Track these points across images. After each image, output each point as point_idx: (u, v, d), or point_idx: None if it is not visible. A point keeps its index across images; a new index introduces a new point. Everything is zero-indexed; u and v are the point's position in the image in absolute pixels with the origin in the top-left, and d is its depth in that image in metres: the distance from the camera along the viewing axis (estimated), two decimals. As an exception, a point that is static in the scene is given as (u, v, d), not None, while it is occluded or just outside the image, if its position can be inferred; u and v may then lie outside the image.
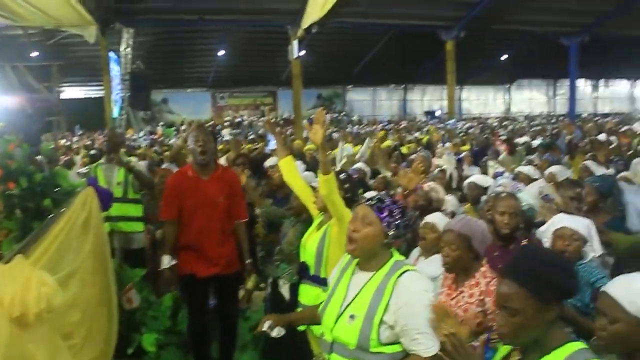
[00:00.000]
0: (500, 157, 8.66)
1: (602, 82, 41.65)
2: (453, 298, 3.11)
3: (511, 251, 3.71)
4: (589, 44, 22.06)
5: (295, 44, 16.49)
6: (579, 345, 1.81)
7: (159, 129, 22.03)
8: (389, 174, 5.49)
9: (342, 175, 3.70)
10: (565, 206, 3.91)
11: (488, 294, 2.96)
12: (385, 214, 2.44)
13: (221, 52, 27.00)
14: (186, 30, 23.26)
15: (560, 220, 3.45)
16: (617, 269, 3.94)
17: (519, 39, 26.17)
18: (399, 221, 2.45)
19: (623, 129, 14.30)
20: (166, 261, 4.26)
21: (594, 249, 3.41)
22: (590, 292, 3.10)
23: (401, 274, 2.37)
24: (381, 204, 2.48)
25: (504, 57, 31.17)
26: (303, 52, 19.85)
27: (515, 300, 1.80)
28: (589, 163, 6.10)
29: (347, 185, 3.59)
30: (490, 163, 7.69)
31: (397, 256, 2.50)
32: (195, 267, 4.30)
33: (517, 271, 1.85)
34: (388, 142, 11.26)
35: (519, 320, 1.80)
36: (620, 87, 42.86)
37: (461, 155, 8.71)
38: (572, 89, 23.60)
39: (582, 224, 3.37)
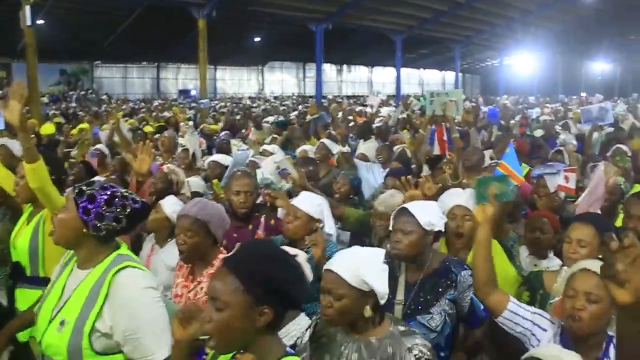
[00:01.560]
0: (251, 136, 8.78)
1: (345, 67, 45.52)
2: (190, 290, 2.91)
3: (250, 232, 3.67)
4: (334, 31, 23.75)
5: (27, 9, 14.52)
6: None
7: None
8: (129, 155, 5.10)
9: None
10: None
11: (228, 280, 2.84)
12: (94, 202, 2.12)
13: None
14: None
15: (296, 198, 3.42)
16: (351, 243, 4.20)
17: (271, 22, 27.01)
18: (107, 211, 2.13)
19: (358, 109, 15.66)
20: None
21: (329, 228, 3.40)
22: None
23: (118, 271, 2.09)
24: (87, 191, 2.14)
25: (257, 39, 31.94)
26: (42, 22, 17.71)
27: (225, 292, 1.57)
28: (326, 141, 6.42)
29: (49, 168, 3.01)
30: (233, 141, 7.70)
31: (123, 249, 2.22)
32: None
33: (236, 262, 1.64)
34: (132, 121, 10.67)
35: (226, 317, 1.57)
36: (360, 73, 47.40)
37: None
38: (319, 72, 25.19)
39: (313, 204, 3.31)
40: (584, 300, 2.11)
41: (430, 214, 2.75)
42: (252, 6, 20.76)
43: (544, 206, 4.37)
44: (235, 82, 41.56)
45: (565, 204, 4.70)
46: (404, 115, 11.55)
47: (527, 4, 27.33)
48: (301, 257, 1.95)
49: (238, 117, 14.10)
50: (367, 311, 2.09)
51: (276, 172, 4.20)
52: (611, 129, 9.27)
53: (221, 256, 2.95)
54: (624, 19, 32.73)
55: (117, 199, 2.14)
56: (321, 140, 6.56)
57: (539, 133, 9.44)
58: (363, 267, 2.07)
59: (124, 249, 2.23)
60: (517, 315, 2.35)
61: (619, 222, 4.01)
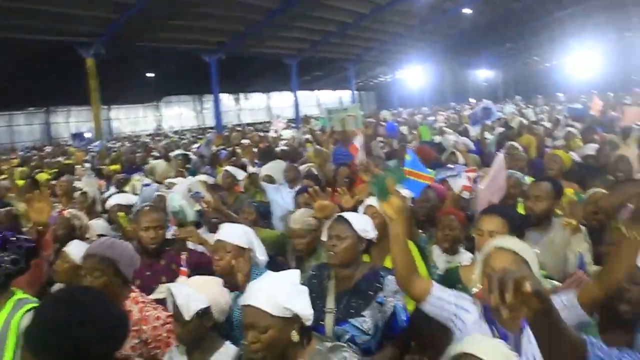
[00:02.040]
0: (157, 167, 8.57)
1: (242, 95, 45.50)
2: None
3: (163, 267, 3.56)
4: (228, 61, 23.73)
5: None
6: None
7: None
8: (22, 205, 4.79)
9: None
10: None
11: (144, 321, 2.74)
12: None
13: None
14: None
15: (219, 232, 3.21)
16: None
17: (164, 56, 26.58)
18: (4, 256, 2.02)
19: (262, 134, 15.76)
20: None
21: (259, 254, 3.18)
22: None
23: (24, 315, 2.04)
24: None
25: (151, 75, 31.31)
26: None
27: None
28: (230, 168, 6.39)
29: None
30: (136, 176, 7.49)
31: (19, 294, 2.15)
32: None
33: (27, 335, 1.56)
34: (23, 169, 10.08)
35: None
36: (258, 99, 47.55)
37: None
38: (217, 103, 25.11)
39: (239, 233, 3.13)
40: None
41: (363, 223, 2.95)
42: (141, 42, 20.35)
43: (450, 205, 4.58)
44: (132, 120, 40.33)
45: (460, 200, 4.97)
46: (307, 136, 11.72)
47: (409, 20, 28.59)
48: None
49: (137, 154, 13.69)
50: (295, 336, 2.08)
51: (188, 195, 4.13)
52: (502, 129, 9.95)
53: (133, 294, 2.85)
54: (500, 30, 35.22)
55: (11, 242, 2.05)
56: (225, 168, 6.51)
57: (438, 139, 9.89)
58: (281, 293, 2.08)
59: (21, 294, 2.17)
60: (442, 299, 2.40)
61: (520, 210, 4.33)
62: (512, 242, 2.34)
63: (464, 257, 3.75)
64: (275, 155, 8.54)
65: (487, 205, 3.81)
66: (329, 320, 2.73)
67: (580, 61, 41.26)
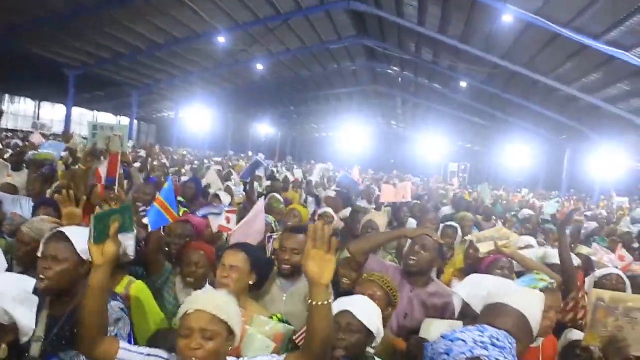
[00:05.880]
0: None
1: (7, 97, 40.84)
2: None
3: None
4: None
5: None
6: None
7: None
8: None
9: None
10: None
11: None
12: None
13: None
14: None
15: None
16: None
17: None
18: None
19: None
20: None
21: None
22: None
23: None
24: None
25: None
26: None
27: None
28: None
29: None
30: None
31: None
32: None
33: None
34: None
35: None
36: (26, 106, 43.02)
37: None
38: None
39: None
40: (199, 339, 2.05)
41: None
42: None
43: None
44: None
45: (219, 239, 5.04)
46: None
47: (205, 61, 28.73)
48: None
49: None
50: (3, 350, 1.79)
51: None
52: (269, 182, 10.58)
53: None
54: (287, 92, 37.40)
55: None
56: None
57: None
58: (8, 295, 1.82)
59: None
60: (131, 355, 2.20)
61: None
62: (212, 303, 2.14)
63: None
64: (25, 164, 7.94)
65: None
66: (34, 350, 2.37)
67: (351, 136, 45.77)
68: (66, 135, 11.02)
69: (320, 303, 2.04)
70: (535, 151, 35.53)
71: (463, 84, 27.23)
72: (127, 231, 2.38)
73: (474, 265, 4.48)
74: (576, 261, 4.67)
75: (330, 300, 2.08)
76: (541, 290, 2.42)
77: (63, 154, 8.10)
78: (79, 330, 2.19)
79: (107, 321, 2.24)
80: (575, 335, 3.15)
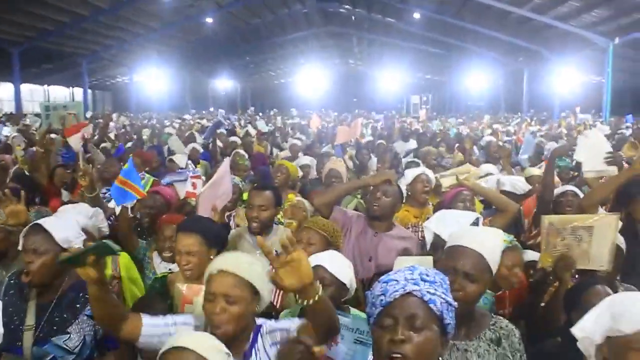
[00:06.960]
0: None
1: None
2: None
3: None
4: None
5: None
6: None
7: None
8: None
9: None
10: None
11: None
12: None
13: None
14: None
15: None
16: None
17: None
18: None
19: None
20: None
21: None
22: None
23: None
24: None
25: None
26: None
27: None
28: None
29: None
30: None
31: None
32: None
33: None
34: None
35: None
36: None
37: None
38: None
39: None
40: (223, 303, 2.05)
41: (67, 230, 2.57)
42: None
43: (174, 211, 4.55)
44: None
45: (187, 205, 5.05)
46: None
47: (153, 21, 27.83)
48: None
49: None
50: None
51: None
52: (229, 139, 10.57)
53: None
54: (240, 43, 36.58)
55: None
56: None
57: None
58: None
59: None
60: (156, 326, 2.18)
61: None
62: (234, 264, 2.13)
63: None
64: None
65: (211, 208, 3.91)
66: (27, 340, 2.45)
67: (311, 80, 45.36)
68: (17, 116, 10.72)
69: (312, 301, 1.95)
70: (494, 75, 35.82)
71: (416, 15, 27.04)
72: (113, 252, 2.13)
73: (440, 201, 4.62)
74: (526, 186, 4.90)
75: (320, 293, 1.97)
76: (503, 252, 2.51)
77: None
78: (99, 322, 2.27)
79: (119, 309, 2.20)
80: (530, 255, 3.36)
